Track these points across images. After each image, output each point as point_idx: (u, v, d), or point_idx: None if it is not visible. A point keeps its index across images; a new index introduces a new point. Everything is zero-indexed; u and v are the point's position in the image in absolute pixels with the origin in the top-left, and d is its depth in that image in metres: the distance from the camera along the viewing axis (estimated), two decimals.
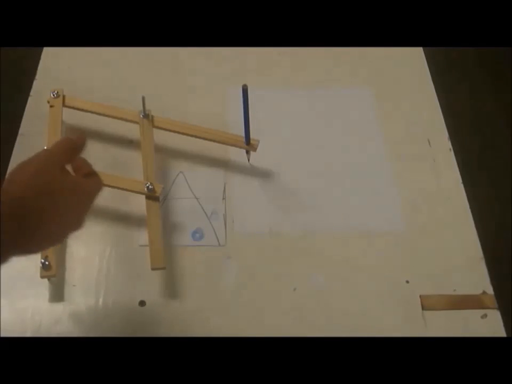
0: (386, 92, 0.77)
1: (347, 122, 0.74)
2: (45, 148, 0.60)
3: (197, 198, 0.65)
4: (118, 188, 0.62)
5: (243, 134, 0.65)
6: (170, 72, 0.78)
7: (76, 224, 0.48)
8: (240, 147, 0.66)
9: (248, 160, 0.67)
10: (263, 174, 0.68)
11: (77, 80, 0.74)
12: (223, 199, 0.66)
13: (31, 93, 0.74)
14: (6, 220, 0.40)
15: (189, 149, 0.69)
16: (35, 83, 0.75)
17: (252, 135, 0.65)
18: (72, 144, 0.50)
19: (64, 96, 0.68)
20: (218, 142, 0.66)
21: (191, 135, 0.66)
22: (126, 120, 0.67)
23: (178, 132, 0.67)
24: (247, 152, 0.67)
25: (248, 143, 0.65)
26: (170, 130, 0.67)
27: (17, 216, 0.42)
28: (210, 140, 0.66)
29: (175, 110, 0.71)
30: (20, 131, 0.70)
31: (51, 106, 0.67)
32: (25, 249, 0.43)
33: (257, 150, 0.66)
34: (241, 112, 0.62)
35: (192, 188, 0.66)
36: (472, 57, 1.58)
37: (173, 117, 0.68)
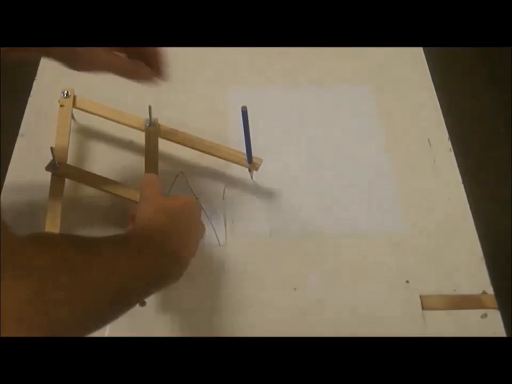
0: (386, 92, 0.77)
1: (347, 122, 0.74)
2: (54, 148, 0.60)
3: (197, 198, 0.65)
4: (119, 196, 0.62)
5: (244, 149, 0.64)
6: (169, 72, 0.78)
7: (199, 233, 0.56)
8: (243, 165, 0.65)
9: (252, 178, 0.67)
10: (263, 174, 0.67)
11: (76, 80, 0.73)
12: (223, 199, 0.66)
13: (31, 93, 0.74)
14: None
15: (189, 149, 0.69)
16: (35, 83, 0.75)
17: (251, 132, 0.64)
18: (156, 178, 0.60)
19: (75, 97, 0.68)
20: (222, 158, 0.66)
21: (195, 149, 0.66)
22: (132, 127, 0.67)
23: (182, 144, 0.66)
24: (250, 170, 0.66)
25: (250, 162, 0.65)
26: (175, 142, 0.66)
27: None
28: (214, 155, 0.66)
29: (174, 109, 0.71)
30: (20, 131, 0.70)
31: (61, 106, 0.67)
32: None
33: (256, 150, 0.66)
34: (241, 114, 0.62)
35: (192, 188, 0.66)
36: (472, 57, 1.58)
37: (172, 116, 0.68)
